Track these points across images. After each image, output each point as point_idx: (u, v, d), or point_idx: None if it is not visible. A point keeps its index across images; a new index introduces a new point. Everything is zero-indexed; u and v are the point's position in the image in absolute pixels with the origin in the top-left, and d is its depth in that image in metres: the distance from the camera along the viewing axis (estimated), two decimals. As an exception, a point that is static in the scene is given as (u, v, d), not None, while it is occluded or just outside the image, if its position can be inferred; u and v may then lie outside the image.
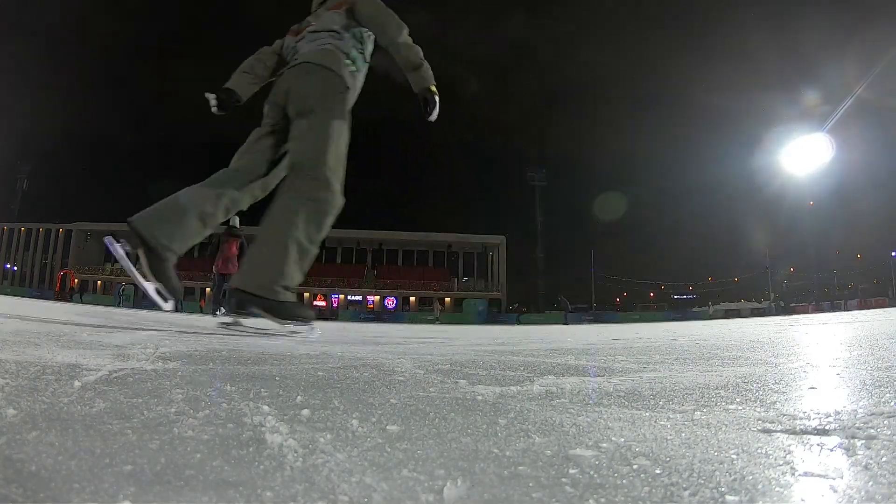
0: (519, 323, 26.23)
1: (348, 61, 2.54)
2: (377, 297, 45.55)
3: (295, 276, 2.44)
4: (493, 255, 47.50)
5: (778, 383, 1.29)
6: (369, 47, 2.70)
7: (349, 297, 45.78)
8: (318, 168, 2.36)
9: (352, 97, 2.62)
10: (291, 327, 2.67)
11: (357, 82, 2.64)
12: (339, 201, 2.46)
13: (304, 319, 2.66)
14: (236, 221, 10.04)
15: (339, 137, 2.42)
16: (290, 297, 2.52)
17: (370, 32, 2.65)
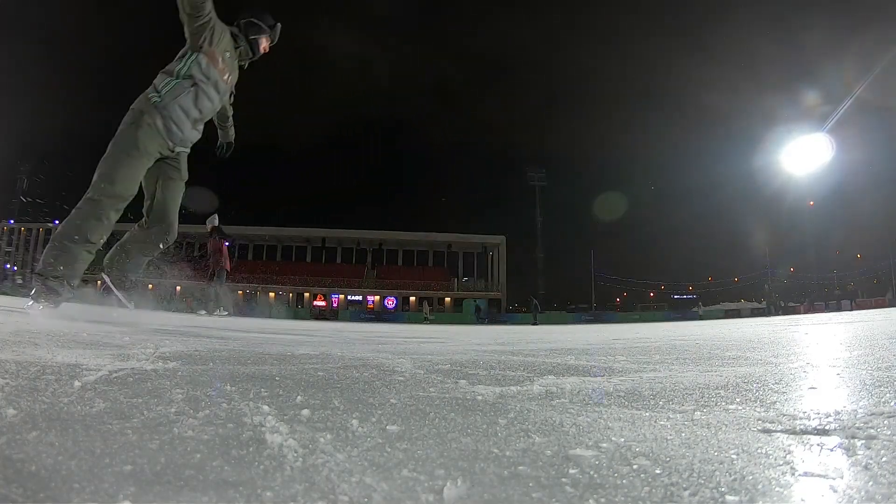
0: (481, 322, 26.17)
1: (153, 93, 3.00)
2: (377, 297, 45.57)
3: (51, 262, 2.89)
4: (493, 255, 47.49)
5: (778, 383, 1.29)
6: (186, 62, 3.08)
7: (349, 297, 45.81)
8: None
9: (153, 117, 3.02)
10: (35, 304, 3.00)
11: (168, 98, 3.05)
12: (98, 203, 2.93)
13: (40, 298, 2.97)
14: (215, 220, 10.02)
15: (110, 154, 2.95)
16: (52, 283, 2.91)
17: (188, 52, 3.07)
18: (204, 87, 3.02)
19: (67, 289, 2.97)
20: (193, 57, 3.00)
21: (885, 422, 0.82)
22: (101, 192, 2.91)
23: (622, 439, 0.73)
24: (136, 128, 2.95)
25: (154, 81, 3.04)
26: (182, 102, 3.00)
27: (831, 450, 0.68)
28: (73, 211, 2.93)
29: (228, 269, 10.07)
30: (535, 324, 23.26)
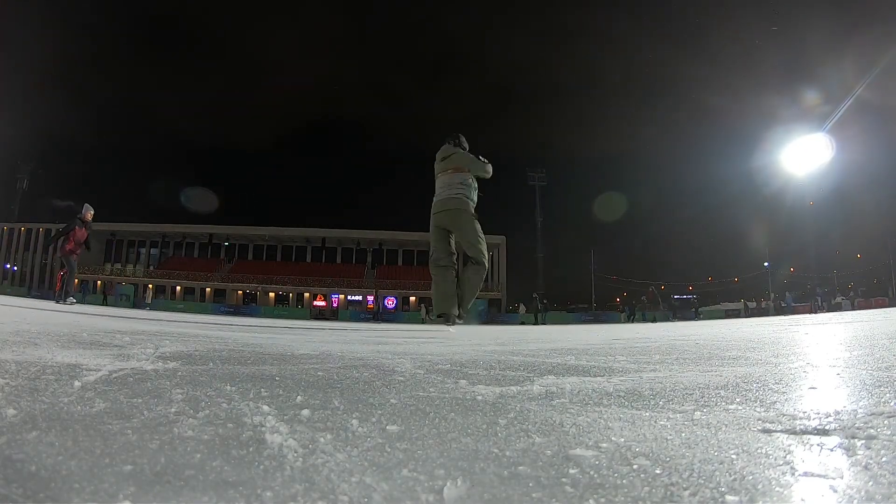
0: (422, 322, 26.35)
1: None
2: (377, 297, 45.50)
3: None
4: (493, 255, 47.51)
5: (778, 383, 1.29)
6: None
7: (349, 298, 45.78)
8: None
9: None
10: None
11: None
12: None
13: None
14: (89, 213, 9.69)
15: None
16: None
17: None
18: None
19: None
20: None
21: (885, 422, 0.82)
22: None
23: (622, 439, 0.73)
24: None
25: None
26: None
27: (831, 450, 0.68)
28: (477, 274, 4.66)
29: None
30: (536, 324, 23.22)
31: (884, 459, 0.62)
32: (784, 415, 0.90)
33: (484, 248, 4.61)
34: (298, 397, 1.00)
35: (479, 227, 4.60)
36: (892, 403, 0.98)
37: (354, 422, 0.81)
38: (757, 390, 1.18)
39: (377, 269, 49.07)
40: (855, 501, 0.51)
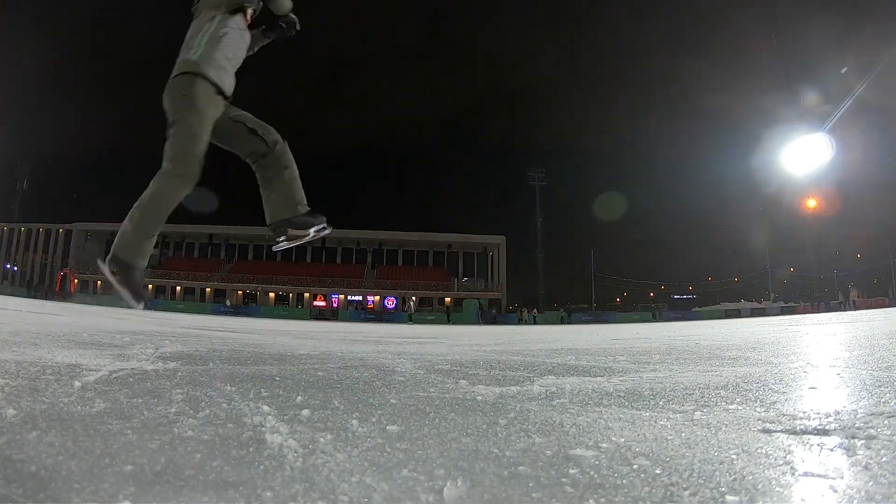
0: (411, 321, 26.09)
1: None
2: (377, 297, 45.54)
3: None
4: (493, 255, 47.48)
5: (778, 383, 1.29)
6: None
7: (349, 298, 45.77)
8: None
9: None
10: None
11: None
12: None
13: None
14: None
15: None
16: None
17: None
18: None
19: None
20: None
21: (885, 422, 0.82)
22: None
23: (622, 439, 0.73)
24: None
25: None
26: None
27: (831, 450, 0.68)
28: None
29: None
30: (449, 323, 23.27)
31: (884, 459, 0.62)
32: (784, 415, 0.90)
33: None
34: (298, 397, 1.00)
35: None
36: (892, 403, 0.98)
37: (354, 422, 0.81)
38: (757, 390, 1.18)
39: (377, 269, 49.08)
40: (855, 501, 0.51)
